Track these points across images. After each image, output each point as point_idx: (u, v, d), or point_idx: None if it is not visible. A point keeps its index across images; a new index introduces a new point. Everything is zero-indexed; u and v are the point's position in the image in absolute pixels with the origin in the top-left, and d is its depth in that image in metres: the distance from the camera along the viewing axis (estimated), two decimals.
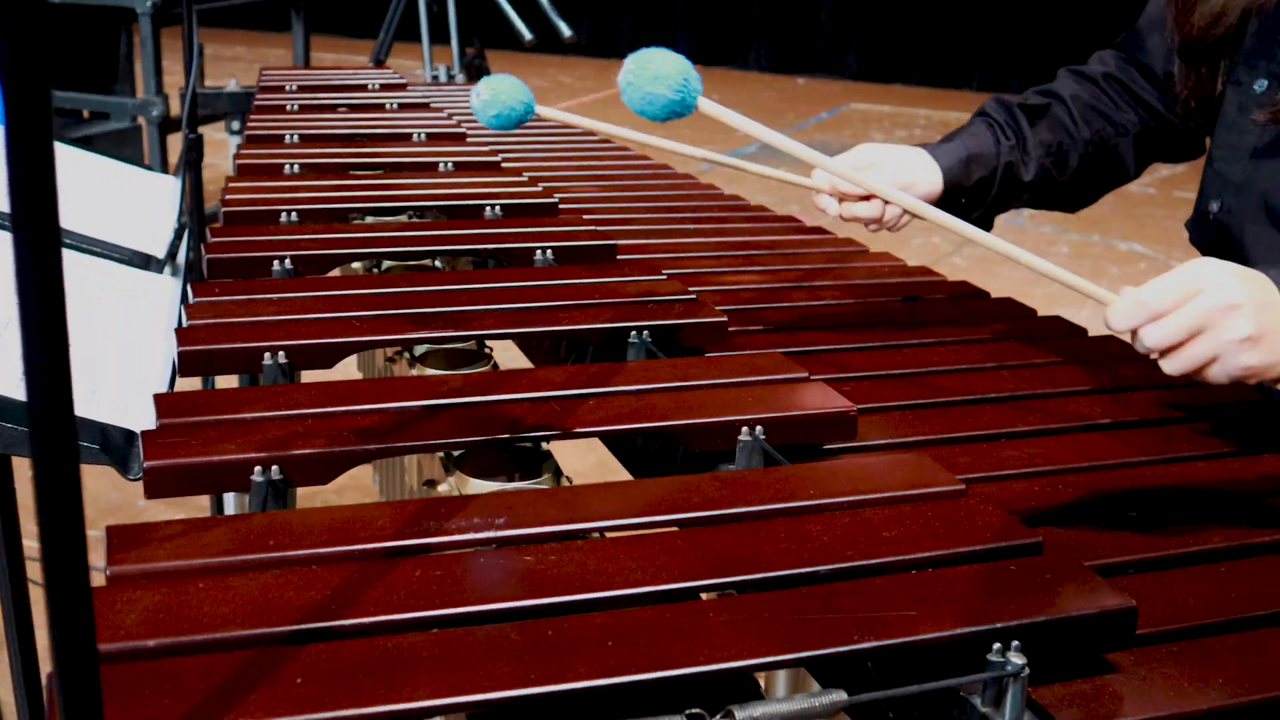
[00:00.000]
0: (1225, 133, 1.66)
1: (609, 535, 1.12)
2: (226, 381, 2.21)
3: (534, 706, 0.88)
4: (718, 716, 0.89)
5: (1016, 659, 0.93)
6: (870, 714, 1.03)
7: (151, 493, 1.19)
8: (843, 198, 1.73)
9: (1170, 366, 1.23)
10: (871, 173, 1.74)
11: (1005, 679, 0.92)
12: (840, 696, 0.91)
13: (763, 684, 1.09)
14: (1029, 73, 10.32)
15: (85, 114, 5.82)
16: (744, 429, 1.33)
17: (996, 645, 0.94)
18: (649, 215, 2.35)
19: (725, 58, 11.70)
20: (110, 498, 3.62)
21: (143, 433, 1.25)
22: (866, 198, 1.72)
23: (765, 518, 1.13)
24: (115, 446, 1.48)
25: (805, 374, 1.45)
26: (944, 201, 1.78)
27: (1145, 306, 1.20)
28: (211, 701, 0.84)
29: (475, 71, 4.99)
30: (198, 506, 3.00)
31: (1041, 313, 1.91)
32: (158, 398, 1.34)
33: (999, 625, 0.96)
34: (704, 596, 1.03)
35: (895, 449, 1.37)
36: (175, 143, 5.11)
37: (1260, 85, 1.61)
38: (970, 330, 1.81)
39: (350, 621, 0.95)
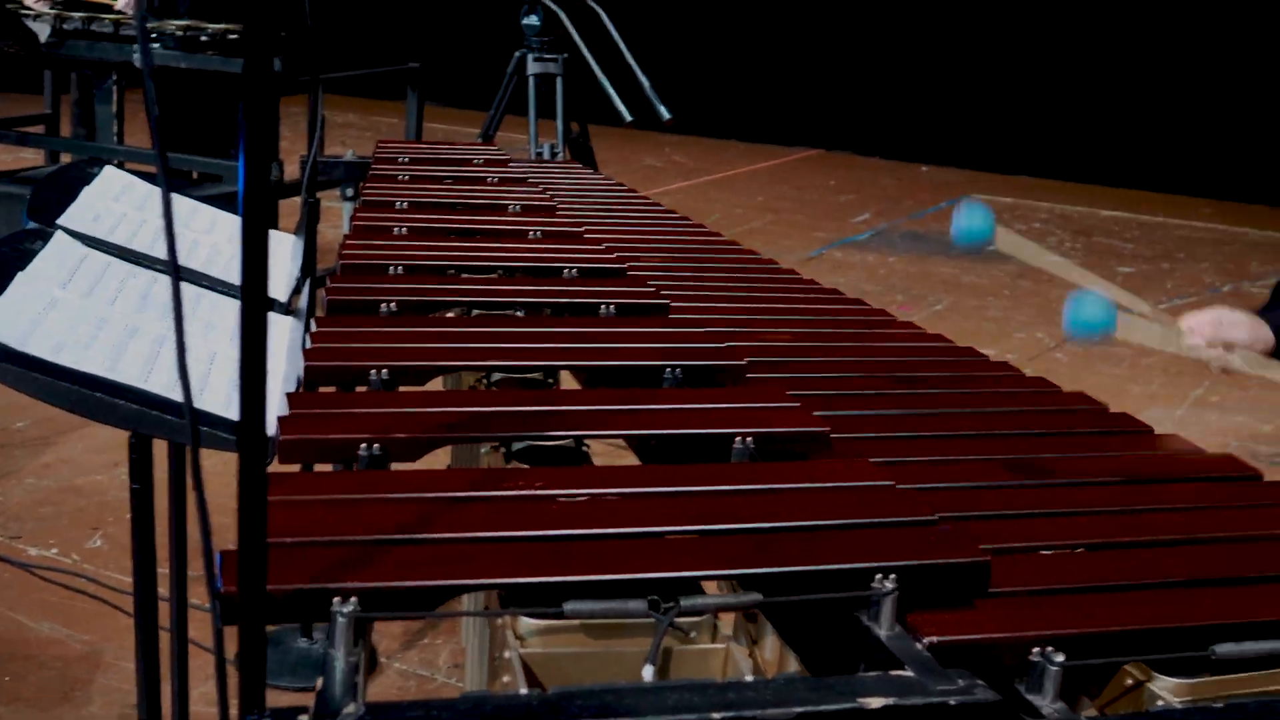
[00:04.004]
0: None
1: (618, 497, 1.60)
2: None
3: (547, 590, 1.36)
4: (669, 604, 1.36)
5: (889, 584, 1.38)
6: (787, 624, 1.50)
7: (284, 459, 1.69)
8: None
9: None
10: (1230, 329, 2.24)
11: (880, 598, 1.38)
12: (757, 596, 1.38)
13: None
14: (1163, 171, 10.76)
15: (194, 175, 6.32)
16: (738, 439, 1.80)
17: (879, 576, 1.40)
18: (708, 283, 2.81)
19: (848, 143, 12.15)
20: None
21: (279, 417, 1.75)
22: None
23: (729, 495, 1.61)
24: None
25: (797, 404, 1.92)
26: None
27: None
28: (329, 571, 1.33)
29: (578, 149, 5.51)
30: None
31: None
32: (289, 395, 1.84)
33: (880, 563, 1.41)
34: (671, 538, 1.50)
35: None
36: (284, 207, 5.63)
37: None
38: (976, 389, 2.26)
39: (427, 535, 1.43)
